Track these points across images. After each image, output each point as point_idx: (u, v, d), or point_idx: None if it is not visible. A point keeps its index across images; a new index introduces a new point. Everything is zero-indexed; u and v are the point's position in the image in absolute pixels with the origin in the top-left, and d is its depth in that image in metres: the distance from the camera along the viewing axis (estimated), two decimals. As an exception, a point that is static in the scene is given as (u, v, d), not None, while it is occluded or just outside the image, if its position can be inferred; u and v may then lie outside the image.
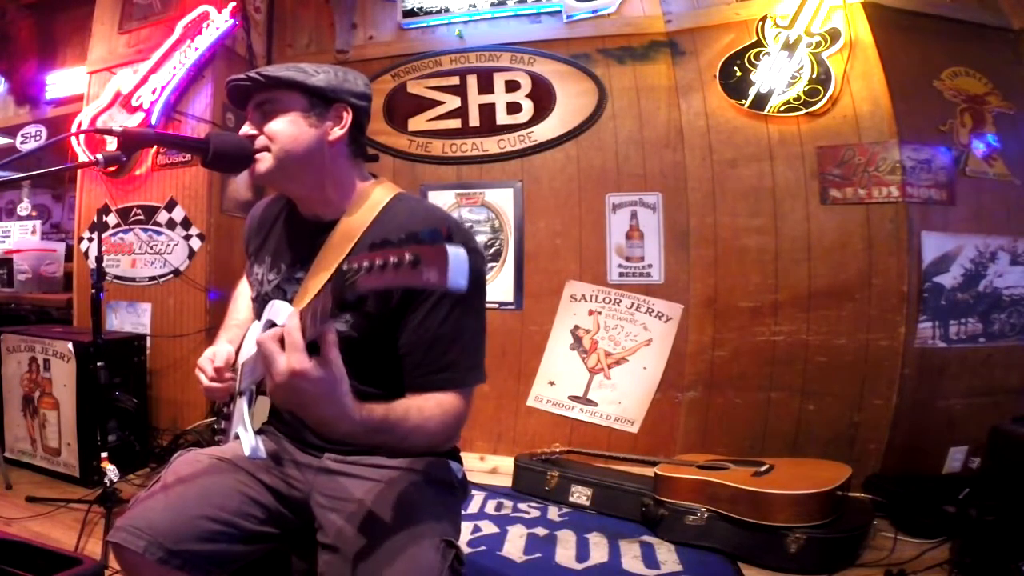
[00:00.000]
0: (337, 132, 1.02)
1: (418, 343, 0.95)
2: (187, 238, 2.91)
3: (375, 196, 1.05)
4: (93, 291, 2.17)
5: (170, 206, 2.94)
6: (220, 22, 2.86)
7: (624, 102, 2.76)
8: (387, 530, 0.92)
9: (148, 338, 2.87)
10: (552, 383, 2.82)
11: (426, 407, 0.90)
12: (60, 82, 3.73)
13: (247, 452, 0.88)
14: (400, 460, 1.03)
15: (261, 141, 0.99)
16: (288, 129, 0.99)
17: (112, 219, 3.04)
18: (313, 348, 0.73)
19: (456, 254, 0.61)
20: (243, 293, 1.30)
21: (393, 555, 0.88)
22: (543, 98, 2.85)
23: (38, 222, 3.63)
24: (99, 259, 2.19)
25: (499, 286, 2.90)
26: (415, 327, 0.95)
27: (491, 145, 2.91)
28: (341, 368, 0.74)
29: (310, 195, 1.06)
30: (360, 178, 1.08)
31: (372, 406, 0.82)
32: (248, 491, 1.04)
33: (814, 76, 2.37)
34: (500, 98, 2.90)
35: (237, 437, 0.98)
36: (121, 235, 3.03)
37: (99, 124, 2.90)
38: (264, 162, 1.00)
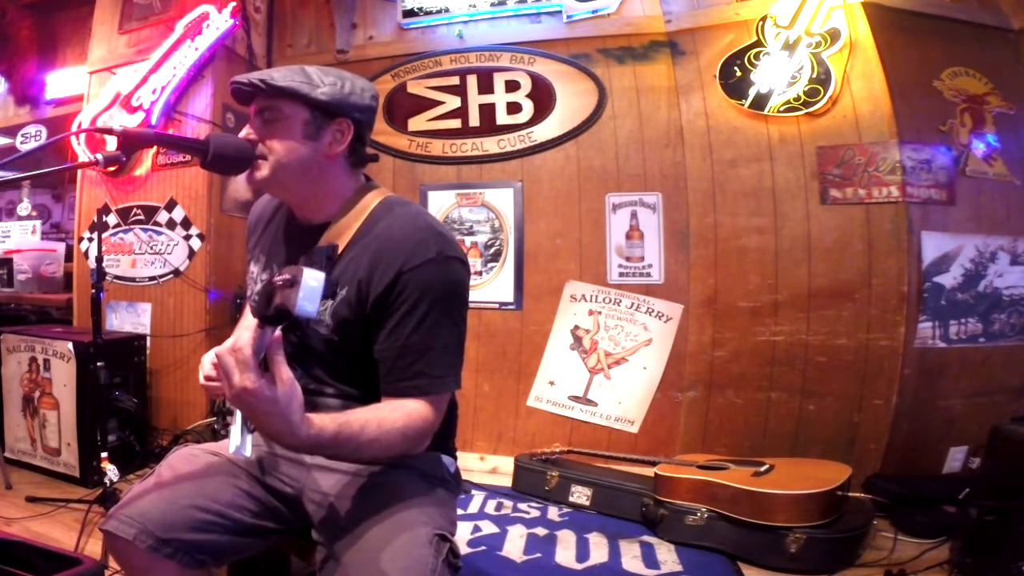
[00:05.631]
0: (336, 148, 1.01)
1: (389, 351, 0.95)
2: (187, 238, 2.91)
3: (364, 201, 1.04)
4: (93, 291, 2.17)
5: (170, 206, 2.95)
6: (220, 22, 2.86)
7: (624, 102, 2.76)
8: (379, 526, 0.93)
9: (148, 338, 2.87)
10: (552, 383, 2.82)
11: (388, 419, 0.90)
12: (60, 82, 3.73)
13: (231, 449, 0.89)
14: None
15: (259, 149, 0.99)
16: (285, 142, 0.98)
17: (112, 219, 3.04)
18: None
19: (311, 284, 0.64)
20: None
21: (385, 550, 0.89)
22: (543, 98, 2.85)
23: (38, 222, 3.63)
24: (99, 259, 2.18)
25: (499, 286, 2.90)
26: (387, 335, 0.95)
27: (491, 145, 2.91)
28: (291, 387, 0.76)
29: (303, 202, 1.06)
30: (355, 184, 1.07)
31: (325, 422, 0.82)
32: (242, 485, 1.05)
33: (814, 76, 2.37)
34: (500, 98, 2.90)
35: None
36: (121, 235, 3.03)
37: (99, 124, 2.90)
38: (260, 170, 0.99)
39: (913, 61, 2.39)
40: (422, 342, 0.94)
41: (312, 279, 0.66)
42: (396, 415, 0.91)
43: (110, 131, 0.97)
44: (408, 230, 0.98)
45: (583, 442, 2.68)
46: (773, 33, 2.43)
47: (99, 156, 0.97)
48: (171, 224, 2.94)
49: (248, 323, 1.05)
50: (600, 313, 2.77)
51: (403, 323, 0.94)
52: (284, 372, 0.75)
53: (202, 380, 1.01)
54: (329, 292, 0.67)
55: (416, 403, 0.94)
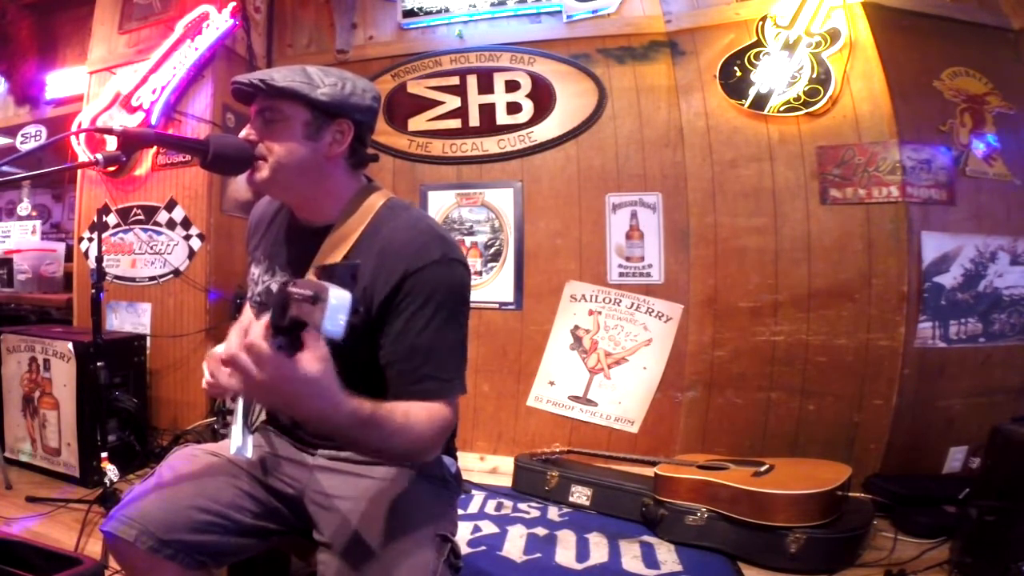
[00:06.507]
0: (336, 148, 1.00)
1: (396, 354, 0.94)
2: (187, 238, 2.91)
3: (367, 204, 1.04)
4: (93, 291, 2.18)
5: (170, 206, 2.95)
6: (220, 22, 2.86)
7: (624, 102, 2.76)
8: (381, 526, 0.93)
9: (148, 338, 2.87)
10: (552, 383, 2.82)
11: (413, 410, 0.88)
12: (60, 82, 3.73)
13: (232, 450, 0.89)
14: None
15: (259, 150, 0.98)
16: (285, 143, 0.97)
17: (112, 219, 3.04)
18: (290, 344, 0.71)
19: (334, 303, 0.62)
20: None
21: (387, 551, 0.89)
22: (543, 98, 2.85)
23: (38, 222, 3.63)
24: (99, 259, 2.19)
25: (499, 286, 2.90)
26: (394, 338, 0.94)
27: (491, 145, 2.91)
28: (328, 362, 0.72)
29: (304, 204, 1.06)
30: (355, 185, 1.06)
31: (362, 400, 0.79)
32: (242, 485, 1.05)
33: (814, 76, 2.37)
34: (500, 98, 2.90)
35: None
36: (121, 235, 3.03)
37: (99, 124, 2.90)
38: (260, 171, 0.99)
39: (913, 61, 2.39)
40: (429, 343, 0.93)
41: (336, 298, 0.64)
42: (418, 408, 0.89)
43: (110, 131, 0.97)
44: (411, 234, 0.98)
45: (583, 442, 2.68)
46: (773, 33, 2.43)
47: (99, 156, 0.97)
48: (171, 224, 2.94)
49: (244, 319, 1.04)
50: (600, 313, 2.77)
51: (410, 325, 0.94)
52: (322, 348, 0.71)
53: (208, 378, 0.99)
54: (354, 309, 0.65)
55: (432, 404, 0.92)
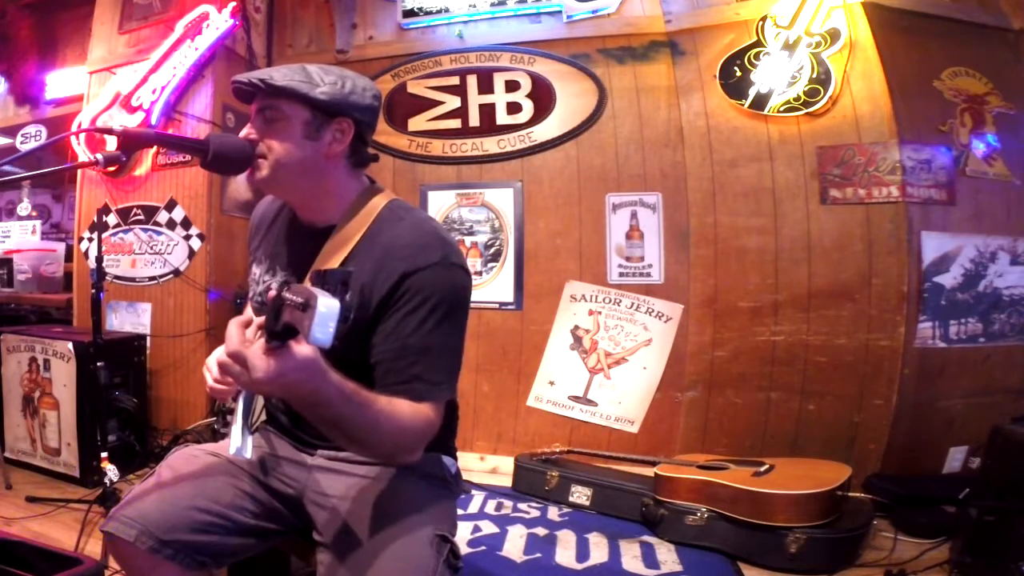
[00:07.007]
0: (336, 147, 1.00)
1: (387, 352, 0.93)
2: (187, 238, 2.92)
3: (370, 205, 1.03)
4: (93, 291, 2.18)
5: (170, 206, 2.95)
6: (220, 22, 2.86)
7: (624, 102, 2.76)
8: (380, 526, 0.93)
9: (148, 338, 2.87)
10: (552, 383, 2.82)
11: (397, 401, 0.87)
12: (60, 82, 3.73)
13: (231, 451, 0.88)
14: None
15: (260, 148, 0.98)
16: (285, 142, 0.97)
17: (112, 219, 3.04)
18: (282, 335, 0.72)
19: (322, 311, 0.63)
20: None
21: (387, 551, 0.89)
22: (543, 98, 2.85)
23: (38, 222, 3.63)
24: (99, 259, 2.19)
25: (499, 286, 2.90)
26: (386, 336, 0.93)
27: (491, 145, 2.91)
28: (309, 352, 0.72)
29: (305, 203, 1.05)
30: (357, 186, 1.06)
31: (346, 378, 0.80)
32: (242, 486, 1.05)
33: (814, 76, 2.37)
34: (500, 98, 2.90)
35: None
36: (121, 235, 3.03)
37: (99, 124, 2.90)
38: (261, 170, 0.99)
39: (913, 61, 2.39)
40: (421, 343, 0.92)
41: (325, 306, 0.65)
42: (403, 401, 0.88)
43: (110, 131, 0.97)
44: (413, 235, 0.97)
45: (583, 442, 2.68)
46: (773, 33, 2.43)
47: (99, 156, 0.96)
48: (171, 224, 2.94)
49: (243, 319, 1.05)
50: (600, 313, 2.77)
51: (404, 324, 0.93)
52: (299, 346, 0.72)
53: (211, 382, 0.98)
54: (343, 317, 0.66)
55: (417, 403, 0.91)
